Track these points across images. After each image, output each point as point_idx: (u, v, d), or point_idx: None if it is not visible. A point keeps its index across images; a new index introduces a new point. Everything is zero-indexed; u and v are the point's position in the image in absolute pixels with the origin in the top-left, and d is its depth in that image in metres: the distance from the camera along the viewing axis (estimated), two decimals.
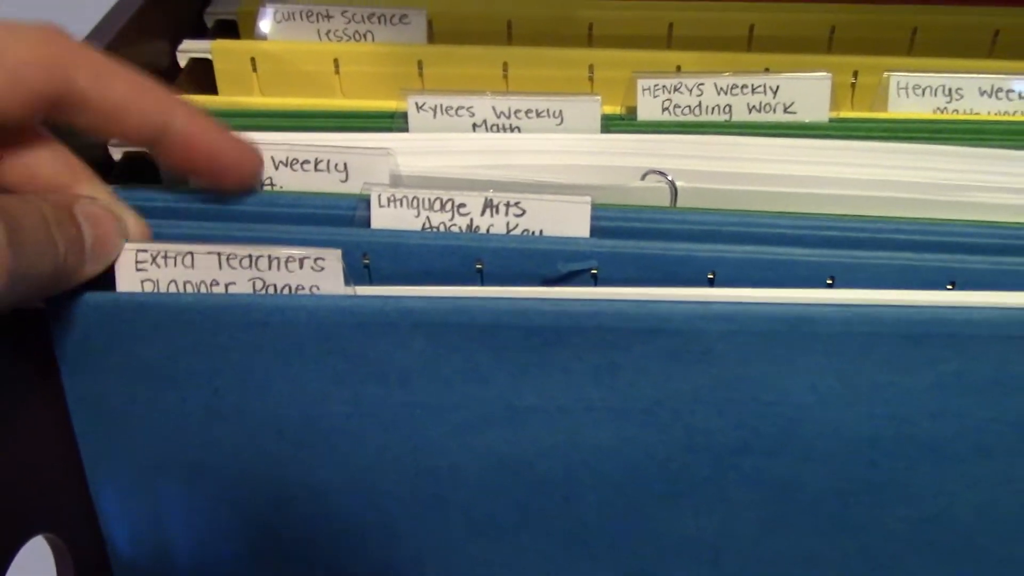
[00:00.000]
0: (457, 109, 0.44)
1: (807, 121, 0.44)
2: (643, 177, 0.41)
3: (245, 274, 0.35)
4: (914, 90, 0.45)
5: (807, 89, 0.44)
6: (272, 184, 0.41)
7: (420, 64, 0.50)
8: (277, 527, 0.41)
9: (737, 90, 0.44)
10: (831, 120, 0.44)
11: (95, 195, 0.36)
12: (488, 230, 0.38)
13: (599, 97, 0.43)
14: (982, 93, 0.45)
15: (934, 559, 0.40)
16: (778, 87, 0.44)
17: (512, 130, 0.44)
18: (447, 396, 0.37)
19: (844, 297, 0.35)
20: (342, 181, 0.41)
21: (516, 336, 0.35)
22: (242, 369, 0.36)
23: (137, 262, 0.36)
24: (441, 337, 0.36)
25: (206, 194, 0.40)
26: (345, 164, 0.41)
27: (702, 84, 0.44)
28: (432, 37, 0.53)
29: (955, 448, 0.37)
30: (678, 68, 0.49)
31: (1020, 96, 0.44)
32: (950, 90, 0.45)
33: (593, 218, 0.38)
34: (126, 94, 0.35)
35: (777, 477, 0.38)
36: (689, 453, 0.38)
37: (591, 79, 0.49)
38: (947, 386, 0.36)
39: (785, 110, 0.44)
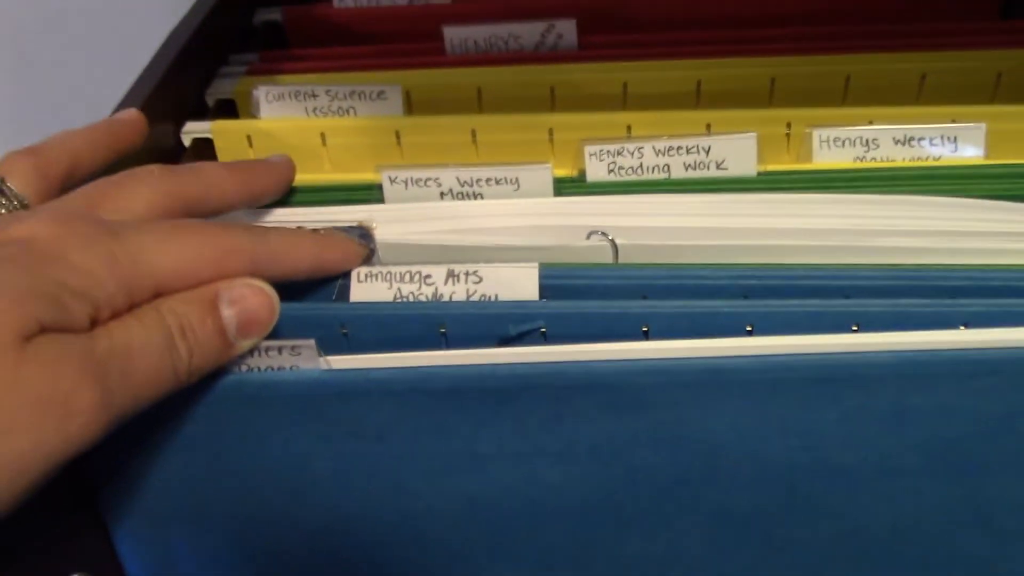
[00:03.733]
0: (426, 180, 0.49)
1: (737, 176, 0.48)
2: (588, 237, 0.45)
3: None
4: (835, 142, 0.49)
5: (736, 147, 0.48)
6: None
7: (398, 135, 0.55)
8: (278, 566, 0.46)
9: (673, 151, 0.48)
10: (759, 174, 0.48)
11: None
12: (451, 297, 0.43)
13: (550, 165, 0.48)
14: (896, 142, 0.48)
15: (856, 566, 0.44)
16: (710, 147, 0.48)
17: (475, 196, 0.49)
18: (417, 448, 0.41)
19: (757, 345, 0.39)
20: None
21: (473, 396, 0.40)
22: (238, 435, 0.41)
23: None
24: (408, 400, 0.40)
25: None
26: None
27: (642, 147, 0.48)
28: (411, 107, 0.58)
29: (864, 471, 0.41)
30: (628, 128, 0.53)
31: (930, 143, 0.48)
32: (867, 141, 0.49)
33: (542, 277, 0.42)
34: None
35: (710, 503, 0.43)
36: (632, 487, 0.42)
37: (551, 141, 0.54)
38: (851, 418, 0.40)
39: (717, 167, 0.48)
